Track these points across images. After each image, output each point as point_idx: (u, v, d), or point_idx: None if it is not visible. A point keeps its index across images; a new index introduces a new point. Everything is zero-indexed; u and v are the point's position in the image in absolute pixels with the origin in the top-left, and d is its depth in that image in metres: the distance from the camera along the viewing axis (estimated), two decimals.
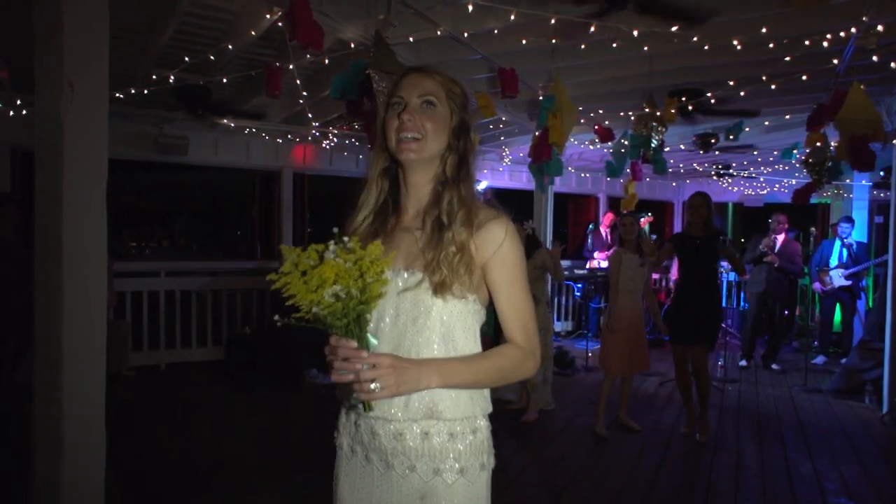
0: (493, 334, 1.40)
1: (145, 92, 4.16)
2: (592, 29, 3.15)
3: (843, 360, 6.36)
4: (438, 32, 3.57)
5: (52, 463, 2.37)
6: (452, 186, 1.26)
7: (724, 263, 8.56)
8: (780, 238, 6.84)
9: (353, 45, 3.69)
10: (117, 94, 4.03)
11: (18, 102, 4.70)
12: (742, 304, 7.51)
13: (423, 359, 1.20)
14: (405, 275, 1.24)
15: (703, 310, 4.33)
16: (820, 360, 7.17)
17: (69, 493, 2.32)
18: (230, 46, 3.82)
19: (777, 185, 9.19)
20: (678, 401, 5.33)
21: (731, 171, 8.43)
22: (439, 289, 1.20)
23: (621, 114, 5.21)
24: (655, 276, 9.10)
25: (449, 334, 1.23)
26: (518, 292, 1.26)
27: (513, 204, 7.59)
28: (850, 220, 7.14)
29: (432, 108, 1.26)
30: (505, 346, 1.26)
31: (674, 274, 9.03)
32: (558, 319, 8.75)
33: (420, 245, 1.25)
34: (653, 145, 4.21)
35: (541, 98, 4.34)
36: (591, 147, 6.75)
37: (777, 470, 3.92)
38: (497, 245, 1.24)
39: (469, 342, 1.25)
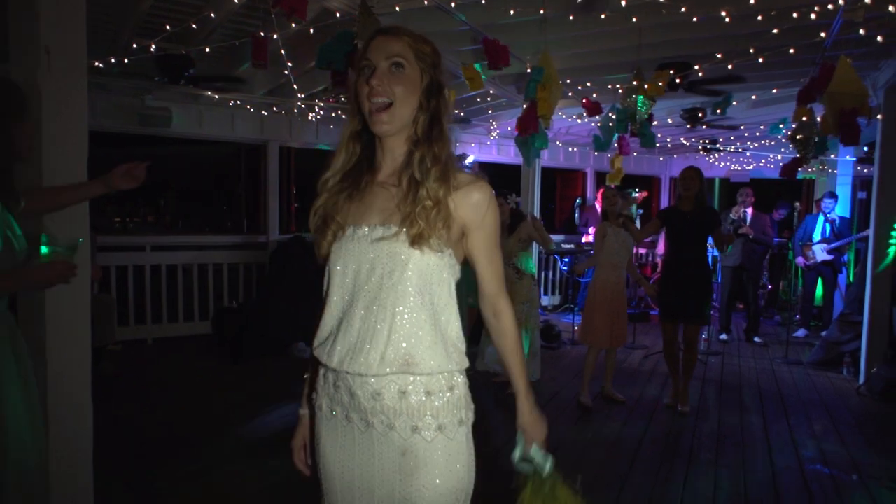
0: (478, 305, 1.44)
1: (126, 62, 4.06)
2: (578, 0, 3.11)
3: (824, 333, 6.49)
4: (425, 2, 3.51)
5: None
6: (424, 144, 1.27)
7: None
8: (750, 211, 6.93)
9: (338, 15, 3.62)
10: (97, 63, 3.94)
11: None
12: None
13: (517, 404, 1.39)
14: (380, 229, 1.25)
15: (696, 286, 4.33)
16: (801, 333, 7.31)
17: (56, 468, 2.32)
18: (213, 15, 3.74)
19: (763, 161, 9.24)
20: (662, 373, 5.43)
21: (718, 146, 8.45)
22: (416, 240, 1.21)
23: (609, 87, 5.19)
24: (642, 250, 9.17)
25: (425, 287, 1.25)
26: (497, 255, 1.36)
27: (500, 178, 7.58)
28: (833, 195, 7.21)
29: (401, 71, 1.25)
30: (504, 327, 1.39)
31: (661, 249, 9.11)
32: (545, 293, 8.81)
33: (396, 201, 1.26)
34: (639, 119, 4.20)
35: (529, 70, 4.31)
36: (579, 121, 6.73)
37: (756, 438, 4.02)
38: (478, 209, 1.28)
39: (444, 295, 1.28)
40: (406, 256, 1.22)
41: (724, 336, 7.09)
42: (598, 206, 8.81)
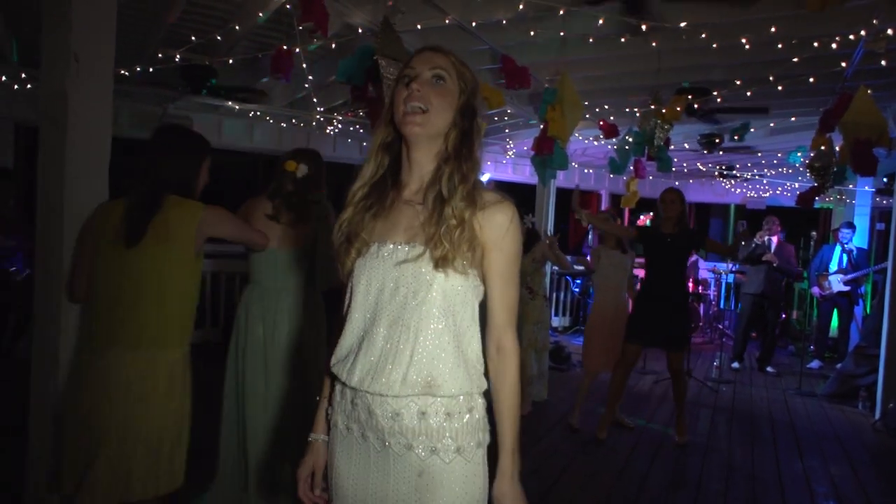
0: None
1: (150, 70, 4.14)
2: (601, 21, 3.13)
3: (839, 365, 6.38)
4: (447, 21, 3.55)
5: (46, 441, 2.38)
6: (453, 161, 1.26)
7: (722, 265, 8.61)
8: (775, 240, 6.85)
9: (360, 31, 3.68)
10: (122, 72, 4.02)
11: (23, 76, 4.68)
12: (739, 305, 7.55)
13: (499, 464, 1.26)
14: (406, 248, 1.24)
15: (674, 313, 4.15)
16: (815, 364, 7.19)
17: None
18: (237, 27, 3.81)
19: (780, 188, 9.18)
20: (671, 400, 5.33)
21: (734, 172, 8.41)
22: (441, 262, 1.20)
23: (627, 110, 5.20)
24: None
25: (449, 309, 1.23)
26: (512, 282, 1.29)
27: (515, 197, 7.56)
28: (851, 225, 7.14)
29: (441, 83, 1.27)
30: (505, 366, 1.28)
31: None
32: (556, 314, 8.76)
33: (421, 219, 1.25)
34: (656, 143, 4.19)
35: (546, 87, 4.33)
36: (596, 143, 6.74)
37: (768, 471, 3.94)
38: (500, 230, 1.25)
39: (467, 317, 1.26)
40: (430, 278, 1.21)
41: (736, 364, 6.99)
42: None
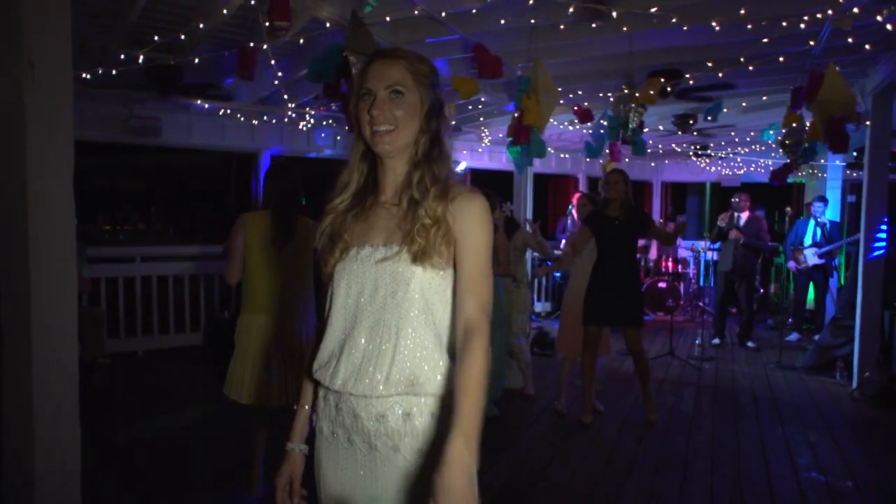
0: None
1: (114, 73, 4.03)
2: (571, 10, 3.11)
3: (816, 337, 6.51)
4: (416, 12, 3.50)
5: (23, 456, 2.33)
6: (424, 165, 1.27)
7: (700, 243, 8.71)
8: (745, 215, 6.94)
9: (328, 25, 3.61)
10: (84, 75, 3.90)
11: None
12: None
13: (447, 449, 1.06)
14: (382, 249, 1.26)
15: (627, 292, 4.18)
16: (794, 337, 7.33)
17: (43, 484, 2.28)
18: (201, 25, 3.71)
19: (754, 165, 9.29)
20: (655, 380, 5.40)
21: (709, 151, 8.49)
22: (418, 257, 1.21)
23: (601, 95, 5.20)
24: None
25: (428, 307, 1.24)
26: (481, 265, 1.24)
27: (493, 185, 7.57)
28: (823, 199, 7.25)
29: (401, 97, 1.26)
30: (470, 356, 1.16)
31: (653, 254, 9.13)
32: (537, 300, 8.80)
33: (397, 219, 1.27)
34: (631, 126, 4.20)
35: (518, 75, 4.30)
36: (571, 128, 6.73)
37: (752, 446, 4.01)
38: (470, 218, 1.25)
39: (447, 315, 1.27)
40: (409, 275, 1.23)
41: (716, 341, 7.10)
42: (574, 212, 8.82)
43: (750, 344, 7.02)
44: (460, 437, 1.08)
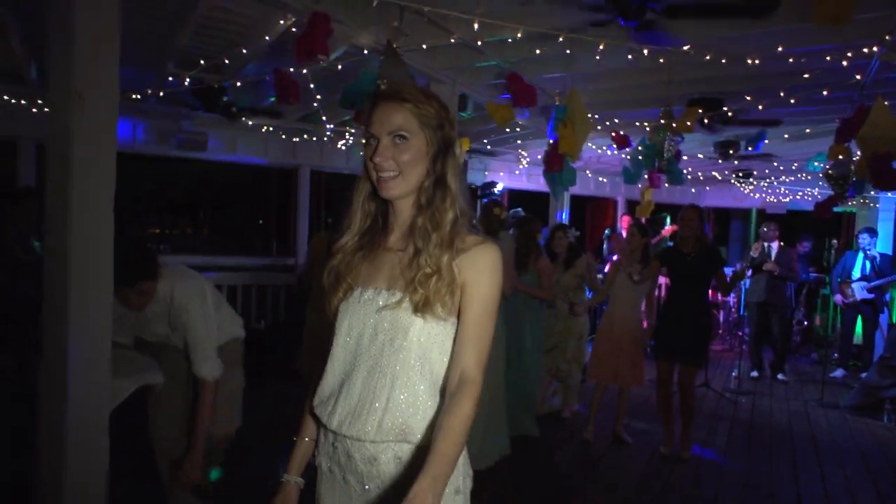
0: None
1: (161, 94, 4.20)
2: (601, 46, 3.10)
3: (863, 375, 6.23)
4: (452, 40, 3.54)
5: (55, 464, 2.43)
6: (427, 211, 1.26)
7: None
8: (775, 245, 6.72)
9: (366, 52, 3.69)
10: (135, 96, 4.08)
11: (39, 102, 4.79)
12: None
13: (414, 488, 1.08)
14: (385, 294, 1.25)
15: (692, 329, 4.16)
16: (839, 373, 7.03)
17: (72, 494, 2.37)
18: (244, 51, 3.84)
19: (800, 193, 9.00)
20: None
21: (751, 179, 8.26)
22: (419, 308, 1.21)
23: (637, 124, 5.14)
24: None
25: (425, 356, 1.24)
26: (486, 317, 1.23)
27: (530, 206, 7.55)
28: (871, 231, 6.95)
29: (405, 142, 1.24)
30: (459, 407, 1.16)
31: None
32: None
33: (401, 266, 1.26)
34: (666, 156, 4.13)
35: (556, 104, 4.29)
36: (609, 153, 6.67)
37: (786, 490, 3.86)
38: (479, 270, 1.24)
39: (444, 363, 1.26)
40: (407, 324, 1.22)
41: (754, 373, 6.87)
42: (624, 233, 8.68)
43: (781, 377, 6.77)
44: (428, 478, 1.08)
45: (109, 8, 2.28)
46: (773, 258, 6.63)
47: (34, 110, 4.91)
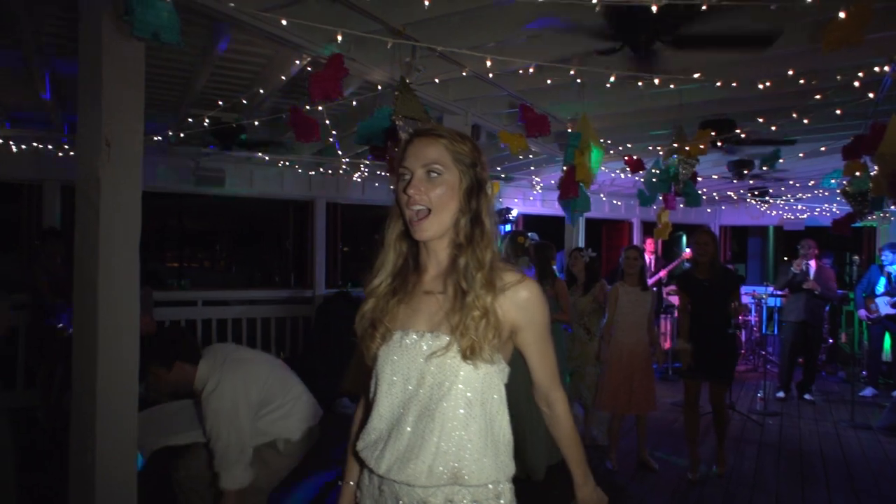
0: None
1: (181, 135, 4.32)
2: (612, 78, 3.14)
3: (895, 394, 6.08)
4: (464, 73, 3.61)
5: (85, 495, 2.46)
6: (468, 250, 1.25)
7: (761, 289, 8.36)
8: (812, 264, 6.62)
9: (379, 88, 3.77)
10: (156, 138, 4.21)
11: (66, 147, 4.95)
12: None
13: (581, 487, 1.43)
14: (429, 337, 1.23)
15: (717, 350, 4.19)
16: (868, 392, 6.87)
17: None
18: (261, 91, 3.95)
19: (818, 209, 8.92)
20: (714, 438, 5.16)
21: (768, 197, 8.21)
22: (469, 354, 1.20)
23: (650, 147, 5.16)
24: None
25: (476, 397, 1.23)
26: (547, 347, 1.33)
27: (544, 230, 7.56)
28: (893, 246, 6.85)
29: (438, 177, 1.25)
30: (557, 414, 1.38)
31: None
32: None
33: (444, 309, 1.24)
34: (682, 179, 4.14)
35: (569, 131, 4.33)
36: (623, 175, 6.69)
37: None
38: (526, 310, 1.25)
39: (497, 402, 1.26)
40: (456, 369, 1.21)
41: (781, 394, 6.72)
42: (647, 256, 8.63)
43: (808, 397, 6.62)
44: (580, 471, 1.41)
45: (135, 61, 2.37)
46: (811, 276, 6.53)
47: (60, 154, 5.06)
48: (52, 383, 5.31)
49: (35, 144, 5.01)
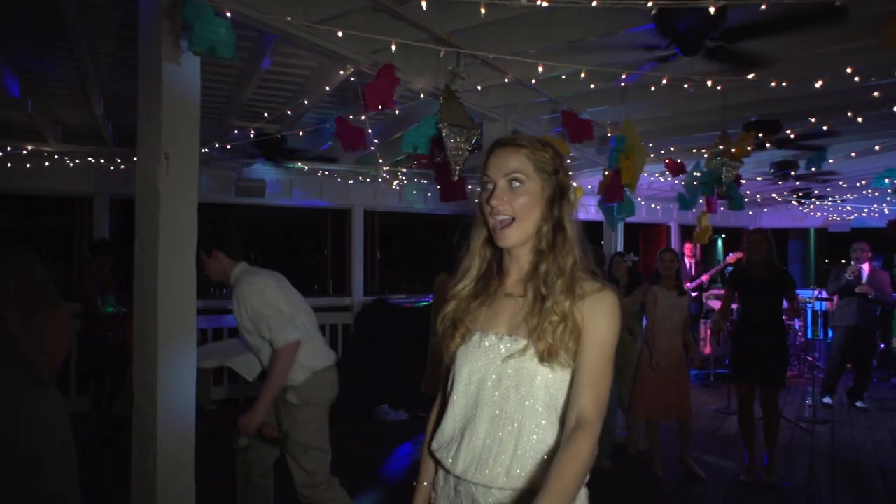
0: None
1: (228, 147, 4.42)
2: (664, 81, 3.11)
3: None
4: (506, 80, 3.62)
5: (146, 491, 2.53)
6: (549, 256, 1.26)
7: (807, 293, 8.14)
8: (865, 267, 6.40)
9: (422, 96, 3.80)
10: (203, 150, 4.32)
11: (118, 160, 5.10)
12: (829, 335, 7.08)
13: None
14: (507, 340, 1.25)
15: (769, 351, 4.13)
16: None
17: None
18: (306, 102, 4.02)
19: (866, 210, 8.64)
20: (760, 442, 5.02)
21: (811, 198, 7.99)
22: (546, 357, 1.20)
23: (693, 150, 5.08)
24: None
25: (552, 402, 1.24)
26: (605, 361, 1.22)
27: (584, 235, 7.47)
28: None
29: (521, 186, 1.26)
30: (575, 447, 1.14)
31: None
32: None
33: (523, 312, 1.26)
34: (725, 182, 4.06)
35: (609, 135, 4.30)
36: (662, 179, 6.60)
37: None
38: (599, 313, 1.23)
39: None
40: (533, 372, 1.22)
41: (827, 400, 6.50)
42: (686, 260, 8.49)
43: (859, 404, 6.39)
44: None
45: (192, 75, 2.44)
46: (864, 280, 6.33)
47: (112, 168, 5.22)
48: (103, 389, 5.48)
49: (90, 159, 5.18)
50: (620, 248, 7.09)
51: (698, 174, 4.71)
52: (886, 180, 4.93)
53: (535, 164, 1.27)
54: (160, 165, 2.42)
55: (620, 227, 7.03)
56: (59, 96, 4.47)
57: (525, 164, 1.26)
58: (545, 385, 1.23)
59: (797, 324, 8.46)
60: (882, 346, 7.99)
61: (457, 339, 1.31)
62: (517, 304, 1.28)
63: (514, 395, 1.23)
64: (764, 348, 4.12)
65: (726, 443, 5.20)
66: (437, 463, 1.34)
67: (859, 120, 3.79)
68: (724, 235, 9.63)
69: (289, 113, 4.08)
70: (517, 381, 1.23)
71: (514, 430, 1.22)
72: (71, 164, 5.22)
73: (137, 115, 2.51)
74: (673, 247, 9.21)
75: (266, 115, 4.11)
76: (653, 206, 8.98)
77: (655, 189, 7.92)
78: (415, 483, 1.45)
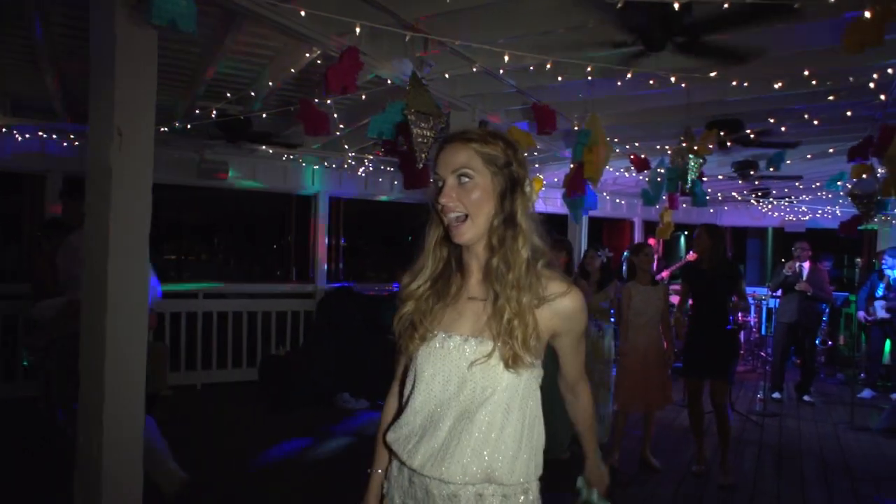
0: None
1: (188, 127, 4.29)
2: (629, 75, 3.13)
3: (894, 396, 6.10)
4: (474, 69, 3.60)
5: (91, 487, 2.45)
6: (499, 251, 1.25)
7: (761, 290, 8.38)
8: (807, 265, 6.65)
9: (389, 82, 3.75)
10: (163, 129, 4.18)
11: (72, 136, 4.91)
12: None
13: (590, 459, 1.58)
14: (473, 342, 1.24)
15: (715, 344, 4.24)
16: (867, 394, 6.89)
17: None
18: (270, 83, 3.92)
19: (820, 211, 8.93)
20: (713, 434, 5.15)
21: (770, 198, 8.23)
22: (512, 362, 1.21)
23: (657, 147, 5.15)
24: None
25: (514, 402, 1.25)
26: (582, 346, 1.40)
27: (547, 228, 7.54)
28: (894, 250, 6.87)
29: (470, 182, 1.24)
30: (582, 404, 1.49)
31: None
32: None
33: (487, 313, 1.25)
34: (691, 178, 4.14)
35: (576, 129, 4.32)
36: (626, 174, 6.68)
37: None
38: (569, 318, 1.29)
39: (535, 406, 1.28)
40: (499, 376, 1.22)
41: (776, 395, 6.73)
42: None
43: (806, 398, 6.66)
44: (591, 452, 1.56)
45: (148, 49, 2.35)
46: (804, 278, 6.56)
47: (65, 145, 5.02)
48: (50, 377, 5.30)
49: (41, 134, 4.97)
50: (585, 241, 7.18)
51: (662, 171, 4.78)
52: (839, 183, 5.09)
53: (483, 158, 1.24)
54: (113, 143, 2.33)
55: (585, 221, 7.12)
56: (7, 66, 4.27)
57: (473, 159, 1.24)
58: (510, 388, 1.23)
59: (752, 320, 8.72)
60: (830, 343, 8.31)
61: (416, 339, 1.29)
62: (481, 306, 1.28)
63: (479, 397, 1.23)
64: (710, 342, 4.23)
65: (681, 434, 5.33)
66: (393, 454, 1.34)
67: (815, 123, 3.89)
68: (686, 232, 9.83)
69: (252, 94, 3.98)
70: (483, 385, 1.23)
71: (474, 431, 1.22)
72: (20, 138, 5.00)
73: (90, 89, 2.41)
74: (636, 241, 9.36)
75: (228, 94, 4.00)
76: (617, 201, 9.10)
77: (620, 185, 8.03)
78: (368, 470, 1.45)
